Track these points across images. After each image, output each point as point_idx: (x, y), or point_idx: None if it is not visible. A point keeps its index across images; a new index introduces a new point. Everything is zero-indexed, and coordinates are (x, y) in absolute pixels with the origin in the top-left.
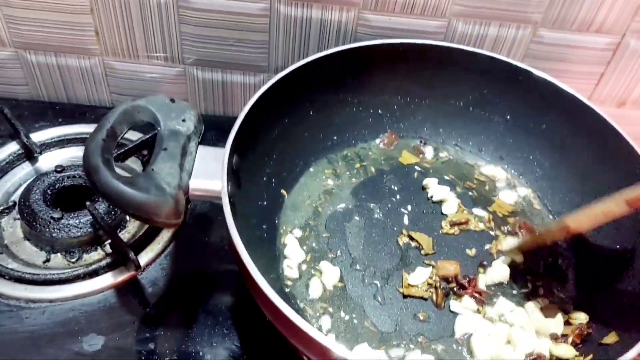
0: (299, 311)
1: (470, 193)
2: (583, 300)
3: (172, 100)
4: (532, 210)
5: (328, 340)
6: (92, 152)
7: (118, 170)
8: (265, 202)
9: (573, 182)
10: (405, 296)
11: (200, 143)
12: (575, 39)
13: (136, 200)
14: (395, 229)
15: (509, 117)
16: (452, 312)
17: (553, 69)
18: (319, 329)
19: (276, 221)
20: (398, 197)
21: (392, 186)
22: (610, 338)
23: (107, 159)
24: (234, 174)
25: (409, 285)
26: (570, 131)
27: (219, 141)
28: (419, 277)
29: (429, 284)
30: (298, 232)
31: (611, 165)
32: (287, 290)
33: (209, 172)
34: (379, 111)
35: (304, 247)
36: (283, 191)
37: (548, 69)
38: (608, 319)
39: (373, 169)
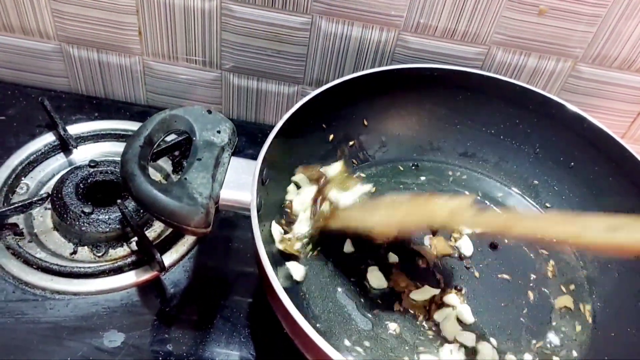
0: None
1: None
2: None
3: (209, 112)
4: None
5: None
6: (130, 159)
7: (150, 170)
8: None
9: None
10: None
11: (233, 152)
12: (615, 76)
13: (169, 207)
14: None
15: (539, 148)
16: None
17: (588, 103)
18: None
19: None
20: None
21: None
22: None
23: (143, 166)
24: (263, 186)
25: (410, 298)
26: (601, 168)
27: (249, 148)
28: (422, 295)
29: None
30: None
31: None
32: (305, 303)
33: (240, 184)
34: (408, 132)
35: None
36: None
37: (583, 104)
38: None
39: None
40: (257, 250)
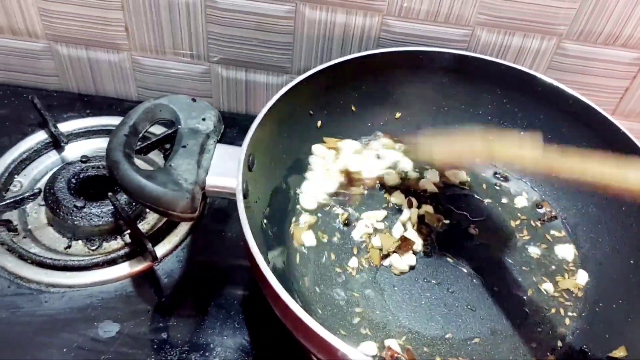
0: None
1: None
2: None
3: (194, 100)
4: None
5: (335, 339)
6: (114, 148)
7: (140, 162)
8: (280, 201)
9: (588, 194)
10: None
11: (222, 140)
12: (600, 52)
13: (154, 193)
14: None
15: (527, 127)
16: None
17: (576, 81)
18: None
19: (290, 219)
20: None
21: None
22: (620, 352)
23: (128, 154)
24: (250, 172)
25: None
26: (589, 144)
27: (241, 139)
28: None
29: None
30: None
31: None
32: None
33: (226, 170)
34: (396, 116)
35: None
36: (298, 191)
37: (571, 82)
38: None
39: None
40: (244, 232)
